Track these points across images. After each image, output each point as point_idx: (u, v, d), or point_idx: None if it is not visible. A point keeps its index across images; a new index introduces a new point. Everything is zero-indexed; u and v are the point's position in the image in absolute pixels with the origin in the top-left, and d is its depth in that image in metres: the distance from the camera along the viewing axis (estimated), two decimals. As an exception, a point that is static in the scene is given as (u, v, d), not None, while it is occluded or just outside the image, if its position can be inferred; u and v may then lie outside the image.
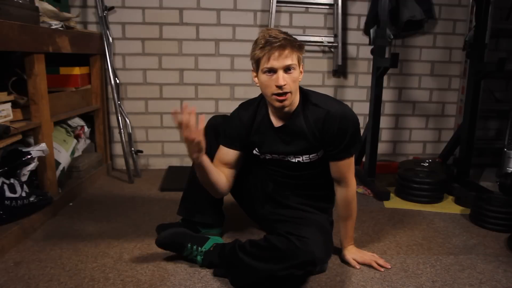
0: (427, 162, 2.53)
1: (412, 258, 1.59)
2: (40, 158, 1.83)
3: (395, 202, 2.23)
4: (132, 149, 2.58)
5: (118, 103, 2.51)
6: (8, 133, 1.63)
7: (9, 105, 1.73)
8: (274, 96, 1.35)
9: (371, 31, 2.59)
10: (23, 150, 1.74)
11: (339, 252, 1.58)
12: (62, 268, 1.47)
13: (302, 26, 2.72)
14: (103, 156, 2.62)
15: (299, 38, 1.82)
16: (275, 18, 2.62)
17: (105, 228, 1.82)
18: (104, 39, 2.47)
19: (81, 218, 1.93)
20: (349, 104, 2.78)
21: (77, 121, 2.42)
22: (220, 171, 1.49)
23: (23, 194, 1.70)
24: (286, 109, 1.40)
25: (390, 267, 1.52)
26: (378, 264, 1.51)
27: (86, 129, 2.47)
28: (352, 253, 1.55)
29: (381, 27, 2.26)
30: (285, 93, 1.34)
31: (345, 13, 2.70)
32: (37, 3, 1.90)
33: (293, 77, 1.35)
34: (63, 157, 2.11)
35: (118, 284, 1.38)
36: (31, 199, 1.74)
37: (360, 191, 2.34)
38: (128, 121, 2.58)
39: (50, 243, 1.66)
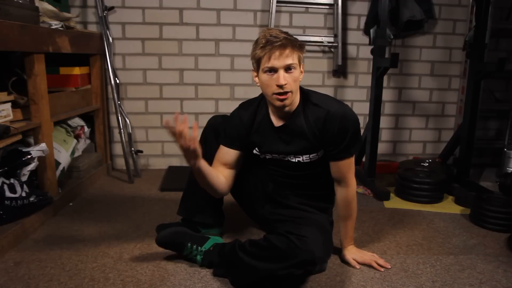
0: (427, 162, 2.53)
1: (412, 258, 1.59)
2: (40, 158, 1.83)
3: (395, 202, 2.23)
4: (132, 149, 2.58)
5: (118, 103, 2.51)
6: (8, 133, 1.62)
7: (9, 105, 1.73)
8: (275, 96, 1.36)
9: (371, 31, 2.59)
10: (23, 150, 1.74)
11: (339, 252, 1.58)
12: (62, 268, 1.47)
13: (302, 26, 2.72)
14: (103, 156, 2.62)
15: (299, 38, 1.82)
16: (275, 18, 2.62)
17: (105, 228, 1.82)
18: (104, 39, 2.47)
19: (81, 218, 1.93)
20: (349, 104, 2.78)
21: (77, 121, 2.42)
22: (220, 172, 1.49)
23: (23, 194, 1.70)
24: (287, 108, 1.40)
25: (390, 267, 1.52)
26: (378, 264, 1.51)
27: (86, 129, 2.47)
28: (352, 253, 1.55)
29: (381, 27, 2.26)
30: (286, 93, 1.34)
31: (345, 13, 2.71)
32: (37, 3, 1.90)
33: (294, 76, 1.35)
34: (63, 157, 2.11)
35: (118, 284, 1.38)
36: (31, 199, 1.74)
37: (360, 191, 2.34)
38: (128, 121, 2.58)
39: (50, 243, 1.65)
